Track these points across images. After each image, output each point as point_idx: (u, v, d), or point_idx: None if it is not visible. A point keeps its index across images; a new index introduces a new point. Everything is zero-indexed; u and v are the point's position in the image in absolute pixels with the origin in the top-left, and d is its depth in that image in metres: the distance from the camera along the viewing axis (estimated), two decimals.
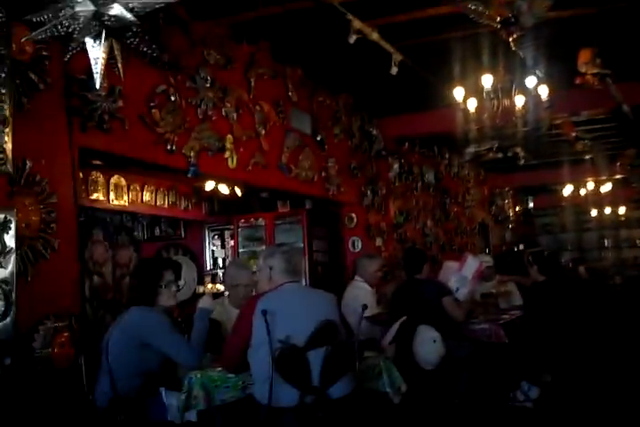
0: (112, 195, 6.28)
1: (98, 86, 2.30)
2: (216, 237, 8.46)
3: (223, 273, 4.25)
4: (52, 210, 3.35)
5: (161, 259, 4.17)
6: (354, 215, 7.42)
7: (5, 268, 2.65)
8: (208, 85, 4.79)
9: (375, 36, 5.08)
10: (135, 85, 4.05)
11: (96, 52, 2.24)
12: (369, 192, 7.44)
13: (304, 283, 6.69)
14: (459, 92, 4.56)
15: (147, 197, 6.86)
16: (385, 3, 4.76)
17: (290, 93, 5.96)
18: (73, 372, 3.27)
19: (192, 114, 4.64)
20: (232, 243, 8.02)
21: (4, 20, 2.77)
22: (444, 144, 9.29)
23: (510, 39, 3.86)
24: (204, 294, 7.86)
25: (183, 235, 8.41)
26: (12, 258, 2.68)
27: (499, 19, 3.69)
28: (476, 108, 4.63)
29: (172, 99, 4.41)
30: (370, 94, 7.08)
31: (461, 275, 4.83)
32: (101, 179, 6.12)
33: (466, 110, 4.59)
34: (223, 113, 4.98)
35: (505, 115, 4.66)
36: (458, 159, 10.01)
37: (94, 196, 6.05)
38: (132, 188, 6.57)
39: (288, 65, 5.92)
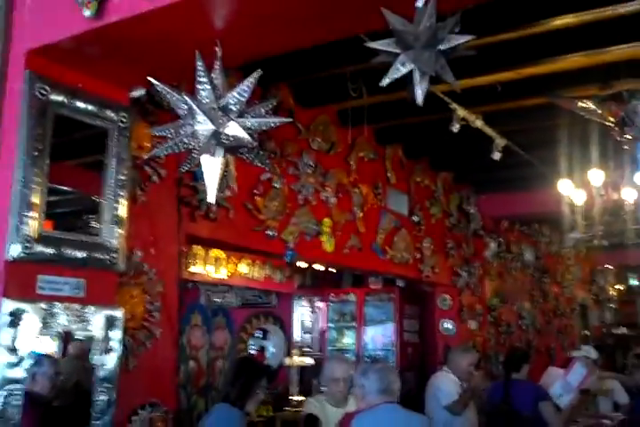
0: (211, 267, 6.42)
1: (212, 201, 2.37)
2: (306, 309, 8.45)
3: (323, 367, 4.18)
4: (156, 299, 3.44)
5: (262, 363, 4.18)
6: (447, 296, 7.25)
7: (109, 366, 2.71)
8: (310, 171, 4.89)
9: (479, 123, 5.06)
10: (241, 174, 4.18)
11: (210, 166, 2.32)
12: (464, 273, 7.26)
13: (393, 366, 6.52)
14: (565, 186, 4.43)
15: (243, 269, 6.97)
16: (488, 91, 4.76)
17: (388, 174, 5.99)
18: None
19: (293, 199, 4.73)
20: (322, 317, 7.98)
21: (127, 124, 2.93)
22: (545, 222, 9.02)
23: (622, 139, 3.73)
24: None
25: (274, 303, 8.44)
26: (116, 356, 2.73)
27: (612, 119, 3.59)
28: (584, 202, 4.48)
29: (276, 186, 4.51)
30: (470, 172, 7.03)
31: (567, 381, 4.55)
32: (201, 252, 6.28)
33: (572, 204, 4.44)
34: (323, 197, 5.05)
35: (613, 210, 4.47)
36: (559, 237, 9.66)
37: (193, 268, 6.20)
38: (229, 260, 6.70)
39: (389, 145, 5.97)
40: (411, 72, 2.47)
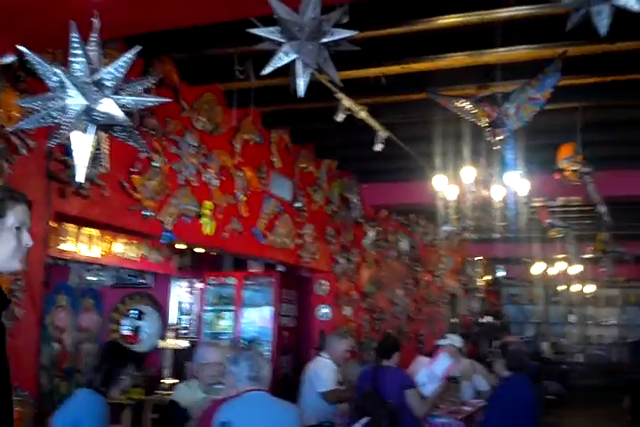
0: (83, 246, 6.16)
1: (82, 180, 2.25)
2: (184, 291, 8.32)
3: (193, 354, 4.11)
4: (20, 279, 3.26)
5: (130, 349, 4.04)
6: (325, 282, 7.37)
7: None
8: (193, 151, 4.79)
9: (363, 114, 5.14)
10: (118, 151, 4.01)
11: (81, 143, 2.20)
12: (342, 260, 7.41)
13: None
14: (439, 181, 4.61)
15: (118, 248, 6.75)
16: (374, 83, 4.84)
17: (273, 159, 5.98)
18: None
19: (173, 179, 4.62)
20: (200, 299, 7.89)
21: None
22: (421, 213, 9.36)
23: (494, 140, 3.92)
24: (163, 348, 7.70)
25: (150, 284, 8.24)
26: None
27: (485, 119, 3.76)
28: (456, 197, 4.68)
29: (155, 165, 4.38)
30: (353, 161, 7.16)
31: (432, 370, 4.76)
32: (74, 229, 6.00)
33: (445, 199, 4.63)
34: (205, 179, 4.96)
35: (483, 206, 4.71)
36: (434, 228, 10.07)
37: (63, 246, 5.92)
38: (103, 239, 6.46)
39: (275, 129, 5.95)
40: (294, 62, 2.47)
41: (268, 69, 2.47)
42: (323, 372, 4.92)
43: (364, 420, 3.90)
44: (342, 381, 5.19)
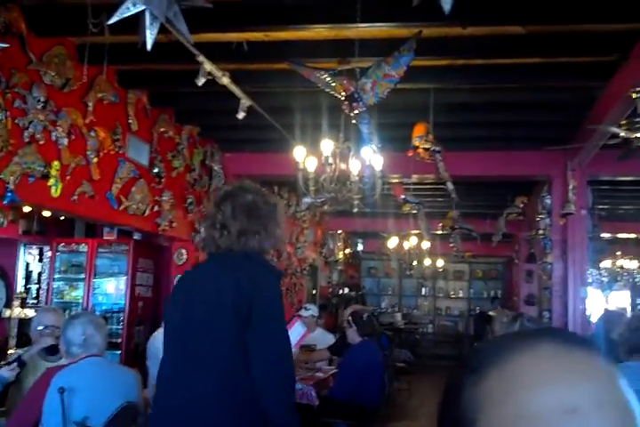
0: None
1: None
2: (33, 258, 7.89)
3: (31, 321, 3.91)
4: None
5: None
6: (184, 251, 7.26)
7: None
8: (40, 107, 4.49)
9: (226, 80, 5.05)
10: None
11: None
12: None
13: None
14: (299, 153, 4.63)
15: None
16: (236, 49, 4.76)
17: (130, 121, 5.75)
18: None
19: (18, 136, 4.32)
20: (50, 267, 7.51)
21: None
22: (284, 184, 9.42)
23: (351, 113, 4.00)
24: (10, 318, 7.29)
25: None
26: None
27: (343, 93, 3.81)
28: (315, 169, 4.73)
29: None
30: (216, 129, 7.05)
31: None
32: None
33: (305, 170, 4.67)
34: (53, 137, 4.68)
35: (341, 179, 4.79)
36: (296, 200, 10.18)
37: None
38: None
39: (132, 90, 5.71)
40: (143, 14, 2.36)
41: (114, 19, 2.36)
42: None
43: None
44: None
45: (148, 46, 2.34)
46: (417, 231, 10.23)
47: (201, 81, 4.73)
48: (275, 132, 6.47)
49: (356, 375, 5.11)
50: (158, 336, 4.92)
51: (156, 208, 6.28)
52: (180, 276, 2.63)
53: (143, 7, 2.23)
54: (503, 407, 0.59)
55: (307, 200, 6.66)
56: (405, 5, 4.09)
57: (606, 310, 5.96)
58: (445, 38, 4.42)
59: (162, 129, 6.32)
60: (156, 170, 6.25)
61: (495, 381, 0.60)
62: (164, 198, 6.43)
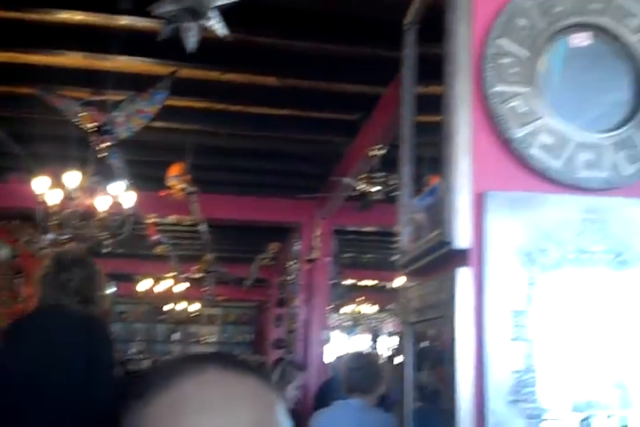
0: None
1: None
2: None
3: None
4: None
5: None
6: None
7: None
8: None
9: None
10: None
11: None
12: None
13: None
14: (41, 184, 4.29)
15: None
16: None
17: None
18: None
19: None
20: None
21: None
22: (28, 218, 8.67)
23: (100, 146, 3.82)
24: None
25: None
26: None
27: (90, 124, 3.64)
28: (60, 203, 4.41)
29: None
30: None
31: None
32: None
33: (45, 204, 4.33)
34: None
35: (86, 215, 4.53)
36: (39, 236, 9.40)
37: None
38: None
39: None
40: None
41: None
42: None
43: None
44: None
45: None
46: (172, 274, 10.04)
47: None
48: (13, 159, 5.95)
49: None
50: None
51: None
52: None
53: None
54: None
55: (49, 236, 6.20)
56: (167, 43, 4.09)
57: (343, 353, 6.31)
58: (205, 81, 4.47)
59: None
60: None
61: (162, 405, 0.61)
62: None
